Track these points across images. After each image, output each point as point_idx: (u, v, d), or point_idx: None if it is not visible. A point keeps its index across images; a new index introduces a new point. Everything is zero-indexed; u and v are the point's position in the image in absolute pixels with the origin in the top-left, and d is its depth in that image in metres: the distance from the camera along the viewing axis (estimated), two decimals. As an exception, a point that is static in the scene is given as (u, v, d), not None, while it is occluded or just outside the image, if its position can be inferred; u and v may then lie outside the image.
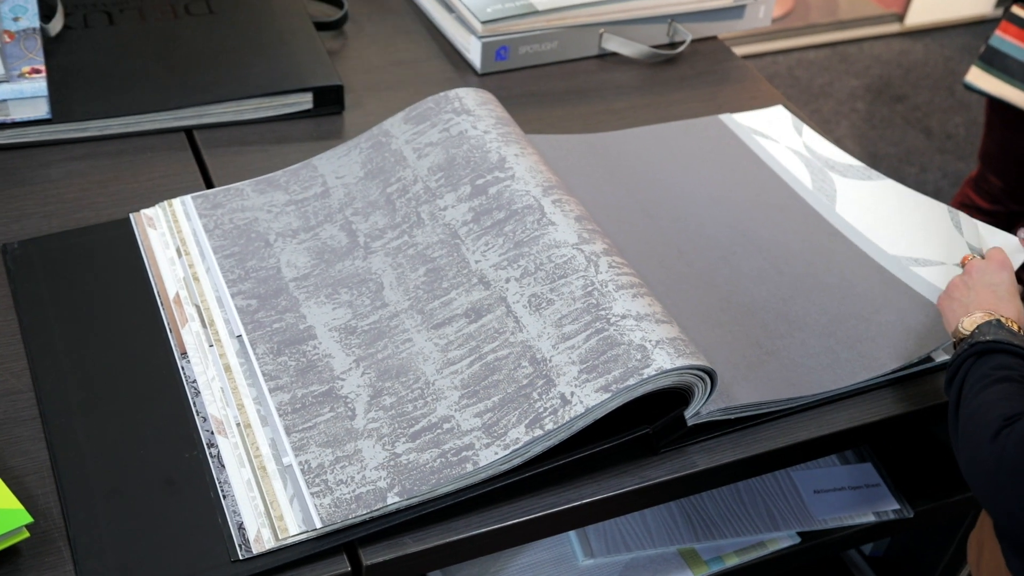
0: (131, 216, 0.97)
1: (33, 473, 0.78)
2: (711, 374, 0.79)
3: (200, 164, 1.08)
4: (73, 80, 1.09)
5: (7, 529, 0.70)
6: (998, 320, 0.83)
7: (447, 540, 0.77)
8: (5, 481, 0.74)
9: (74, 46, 1.10)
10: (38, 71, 1.04)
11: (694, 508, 1.01)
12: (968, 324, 0.83)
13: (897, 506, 1.02)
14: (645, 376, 0.76)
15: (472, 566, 0.96)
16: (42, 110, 1.04)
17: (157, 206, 0.98)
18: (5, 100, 1.02)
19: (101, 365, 0.84)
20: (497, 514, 0.79)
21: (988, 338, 0.81)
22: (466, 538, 0.78)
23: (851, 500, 1.02)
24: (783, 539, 1.00)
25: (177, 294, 0.89)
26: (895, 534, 1.09)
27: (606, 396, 0.76)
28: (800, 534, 1.00)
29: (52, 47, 1.08)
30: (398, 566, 0.76)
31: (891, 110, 2.80)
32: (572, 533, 0.98)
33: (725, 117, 1.19)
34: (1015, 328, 0.82)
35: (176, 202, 0.98)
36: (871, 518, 1.01)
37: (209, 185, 1.05)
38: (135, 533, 0.74)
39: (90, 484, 0.76)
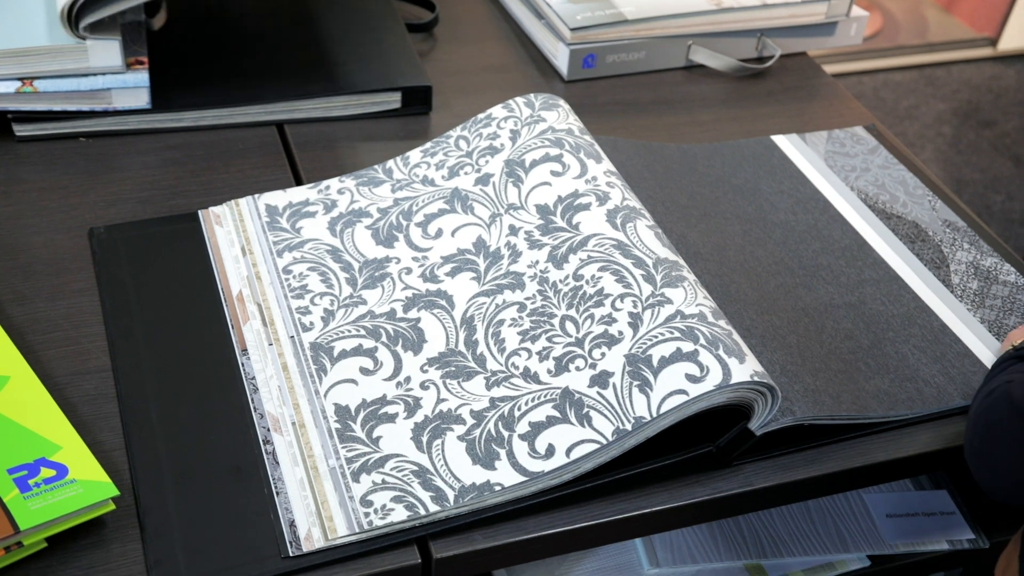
0: (199, 213, 0.99)
1: (119, 449, 0.80)
2: (772, 390, 0.78)
3: (290, 158, 1.10)
4: (172, 72, 1.13)
5: (94, 500, 0.72)
6: None
7: (516, 539, 0.78)
8: (95, 454, 0.77)
9: (175, 40, 1.13)
10: (141, 62, 1.07)
11: (763, 524, 1.00)
12: (1016, 337, 0.86)
13: (972, 535, 1.00)
14: (699, 393, 0.76)
15: (538, 567, 0.97)
16: (143, 100, 1.08)
17: (224, 204, 1.00)
18: (109, 89, 1.06)
19: (174, 352, 0.87)
20: (567, 516, 0.79)
21: None
22: (535, 538, 0.78)
23: (924, 526, 1.00)
24: (852, 561, 0.98)
25: (240, 292, 0.91)
26: (968, 564, 1.07)
27: (662, 411, 0.76)
28: (870, 557, 0.99)
29: (154, 40, 1.12)
30: (466, 562, 0.77)
31: (978, 136, 2.74)
32: (638, 541, 0.98)
33: (784, 138, 1.17)
34: None
35: (243, 201, 1.00)
36: (944, 546, 0.99)
37: (297, 178, 1.07)
38: (200, 518, 0.75)
39: (161, 466, 0.78)
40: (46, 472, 0.74)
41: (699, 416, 0.78)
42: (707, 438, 0.81)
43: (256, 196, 1.00)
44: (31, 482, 0.73)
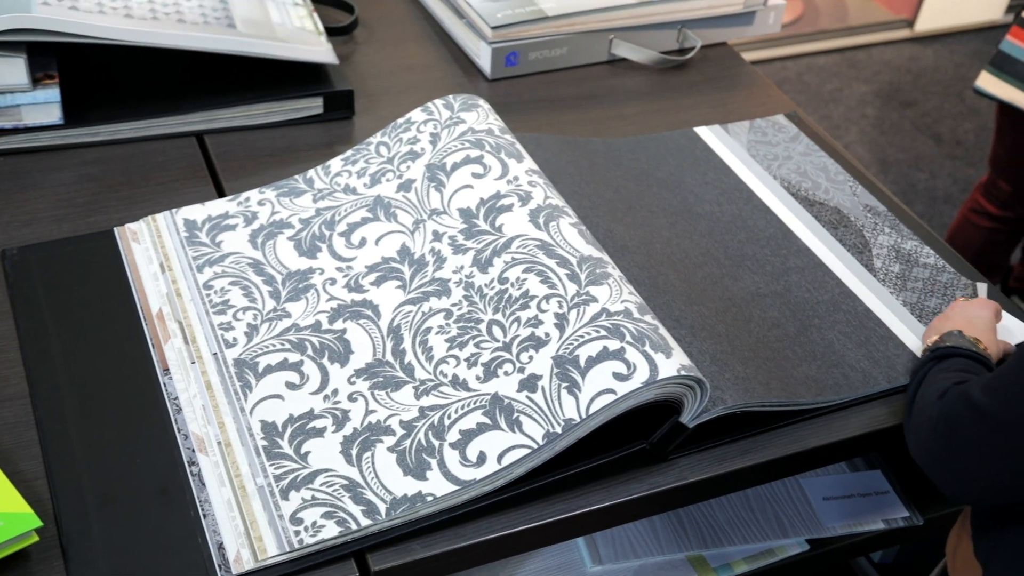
0: (115, 230, 0.97)
1: (41, 477, 0.78)
2: (700, 383, 0.79)
3: (211, 169, 1.08)
4: (86, 86, 1.10)
5: (17, 533, 0.70)
6: (959, 331, 0.87)
7: (455, 546, 0.77)
8: (15, 484, 0.74)
9: (87, 53, 1.10)
10: (51, 77, 1.04)
11: (703, 515, 1.01)
12: (930, 341, 0.89)
13: (907, 513, 1.02)
14: (627, 391, 0.76)
15: (480, 572, 0.96)
16: (55, 115, 1.05)
17: (141, 220, 0.98)
18: (19, 105, 1.03)
19: (94, 375, 0.84)
20: (505, 521, 0.79)
21: (948, 344, 0.86)
22: (474, 544, 0.78)
23: (860, 507, 1.02)
24: (792, 546, 0.99)
25: (160, 310, 0.89)
26: (904, 542, 1.09)
27: (591, 412, 0.77)
28: (809, 541, 1.00)
29: (65, 54, 1.09)
30: (406, 572, 0.76)
31: (901, 116, 2.80)
32: (580, 540, 0.98)
33: (707, 129, 1.18)
34: (980, 346, 0.86)
35: (160, 217, 0.98)
36: (880, 525, 1.01)
37: (219, 189, 1.05)
38: (126, 544, 0.74)
39: (84, 493, 0.76)
40: (-36, 507, 0.71)
41: (632, 412, 0.78)
42: (642, 433, 0.82)
43: (174, 211, 0.98)
44: (-51, 519, 0.70)
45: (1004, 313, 0.96)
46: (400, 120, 1.03)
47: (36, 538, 0.72)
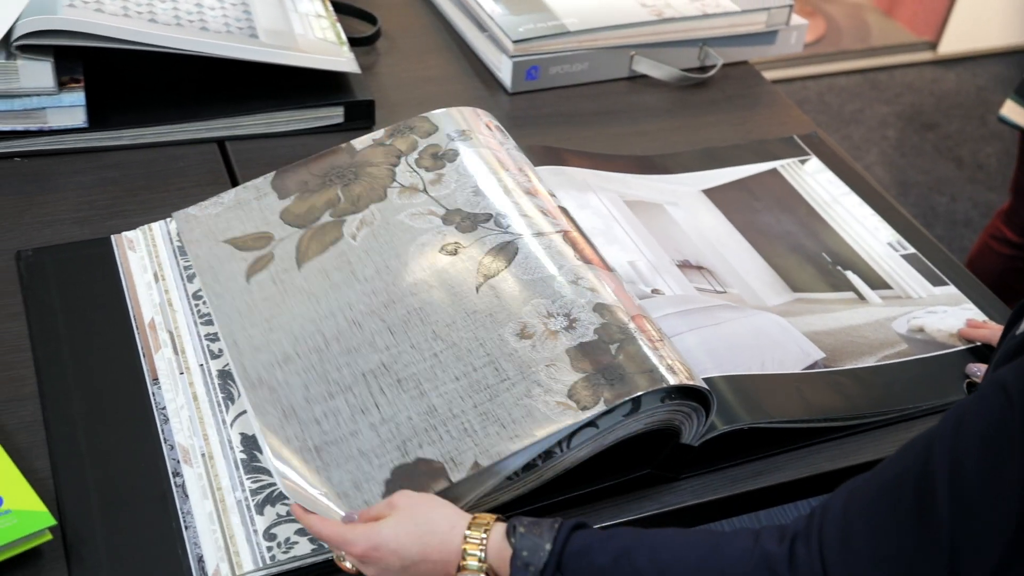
0: (112, 238, 0.97)
1: (53, 476, 0.78)
2: (708, 400, 0.78)
3: (231, 175, 1.09)
4: (110, 90, 1.11)
5: (31, 531, 0.71)
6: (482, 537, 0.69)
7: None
8: (31, 483, 0.75)
9: (111, 58, 1.11)
10: (77, 81, 1.05)
11: (713, 534, 1.00)
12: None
13: (919, 539, 1.01)
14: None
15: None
16: (79, 119, 1.06)
17: (138, 229, 0.98)
18: (44, 108, 1.04)
19: (98, 379, 0.85)
20: (515, 534, 0.79)
21: (527, 553, 0.67)
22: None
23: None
24: (802, 568, 0.99)
25: (152, 319, 0.90)
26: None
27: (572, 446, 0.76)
28: (819, 564, 0.99)
29: (91, 58, 1.10)
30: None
31: (922, 138, 2.79)
32: (589, 555, 0.98)
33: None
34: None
35: (156, 226, 0.98)
36: (892, 550, 1.00)
37: (239, 196, 1.06)
38: (126, 549, 0.74)
39: (88, 494, 0.77)
40: (-21, 504, 0.72)
41: (642, 435, 0.78)
42: (653, 456, 0.81)
43: (168, 220, 0.98)
44: (-37, 516, 0.71)
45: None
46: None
47: (50, 536, 0.72)
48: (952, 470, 0.59)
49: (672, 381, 0.75)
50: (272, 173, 0.98)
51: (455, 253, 0.86)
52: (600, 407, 0.74)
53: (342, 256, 0.88)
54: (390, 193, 0.93)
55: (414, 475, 0.74)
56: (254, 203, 0.96)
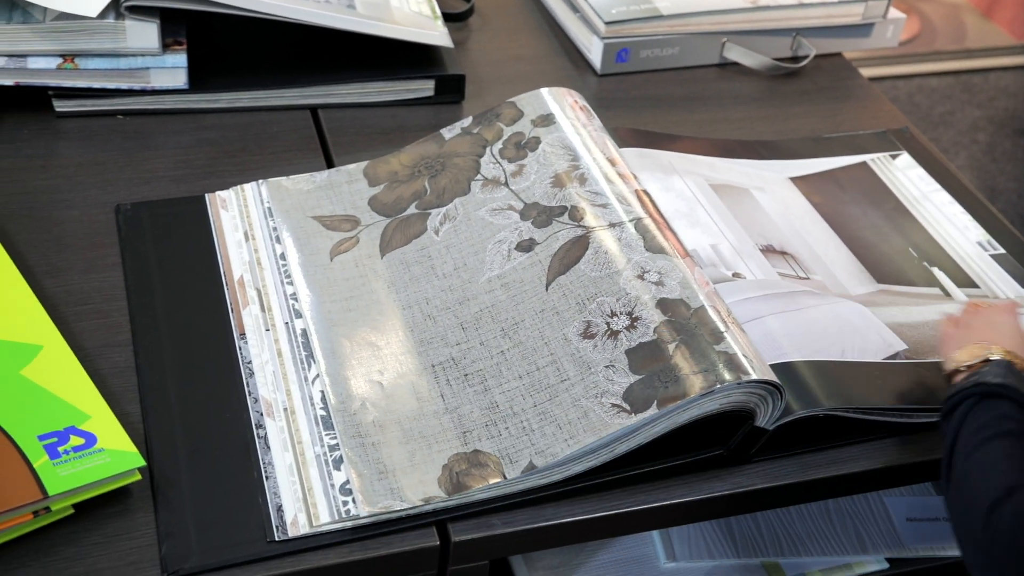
0: (206, 197, 1.00)
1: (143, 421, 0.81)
2: (773, 390, 0.78)
3: (322, 142, 1.11)
4: (210, 54, 1.14)
5: (121, 470, 0.74)
6: (1009, 362, 0.74)
7: (535, 526, 0.78)
8: (122, 425, 0.78)
9: (213, 22, 1.14)
10: (180, 43, 1.08)
11: (781, 523, 1.00)
12: (962, 356, 0.76)
13: (992, 542, 0.99)
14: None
15: (555, 555, 0.97)
16: (181, 80, 1.09)
17: (231, 189, 1.01)
18: (148, 68, 1.07)
19: (188, 331, 0.88)
20: (585, 506, 0.80)
21: (996, 380, 0.73)
22: (553, 526, 0.79)
23: (944, 531, 1.00)
24: (870, 563, 0.98)
25: (241, 277, 0.92)
26: (987, 571, 1.07)
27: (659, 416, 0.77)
28: (889, 560, 0.98)
29: (193, 21, 1.13)
30: (485, 545, 0.78)
31: (1014, 144, 2.72)
32: (656, 534, 0.99)
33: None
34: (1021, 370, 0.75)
35: (248, 187, 1.00)
36: (964, 552, 0.99)
37: (329, 162, 1.08)
38: (208, 495, 0.77)
39: (175, 440, 0.80)
40: (75, 440, 0.75)
41: (716, 417, 0.79)
42: (727, 437, 0.82)
43: (260, 182, 1.01)
44: (60, 449, 0.74)
45: None
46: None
47: (138, 476, 0.75)
48: None
49: (729, 378, 0.76)
50: (365, 162, 1.02)
51: (530, 249, 0.89)
52: (652, 411, 0.76)
53: (423, 250, 0.92)
54: (473, 186, 0.95)
55: (471, 465, 0.77)
56: (345, 187, 0.99)
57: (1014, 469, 0.69)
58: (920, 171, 1.15)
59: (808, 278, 0.97)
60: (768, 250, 0.98)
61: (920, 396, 0.87)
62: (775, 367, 0.82)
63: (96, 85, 1.07)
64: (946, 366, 0.80)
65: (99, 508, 0.75)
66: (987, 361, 0.76)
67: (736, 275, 0.94)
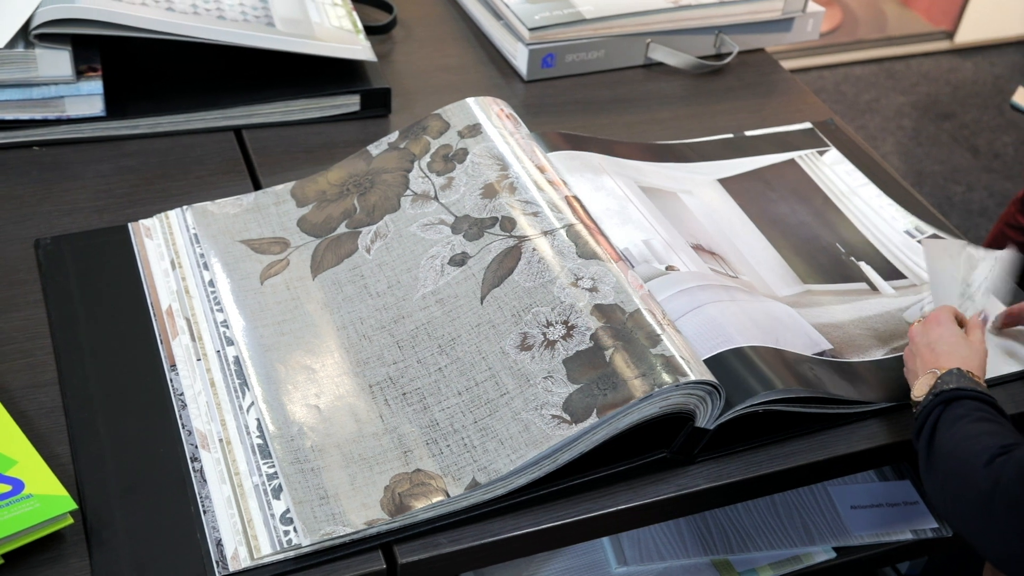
0: (129, 226, 0.98)
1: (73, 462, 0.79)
2: (718, 387, 0.78)
3: (248, 163, 1.09)
4: (127, 80, 1.11)
5: (52, 515, 0.71)
6: (958, 370, 0.82)
7: (482, 542, 0.78)
8: (51, 468, 0.76)
9: (128, 47, 1.12)
10: (94, 70, 1.06)
11: (729, 520, 1.00)
12: (917, 392, 0.83)
13: (935, 524, 1.01)
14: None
15: (506, 569, 0.96)
16: (97, 107, 1.06)
17: (155, 217, 0.99)
18: (63, 97, 1.04)
19: (115, 365, 0.86)
20: (532, 518, 0.79)
21: (951, 386, 0.81)
22: (501, 540, 0.78)
23: (889, 517, 1.01)
24: (819, 553, 0.99)
25: (169, 306, 0.90)
26: (932, 553, 1.08)
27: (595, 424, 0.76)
28: (836, 549, 0.99)
29: (108, 47, 1.10)
30: (432, 565, 0.77)
31: (938, 128, 2.77)
32: (606, 540, 0.98)
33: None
34: (981, 384, 0.82)
35: (172, 213, 0.99)
36: (908, 536, 1.00)
37: (256, 184, 1.07)
38: (144, 534, 0.75)
39: (107, 479, 0.78)
40: (2, 488, 0.72)
41: (658, 420, 0.79)
42: (669, 439, 0.82)
43: (185, 208, 0.99)
44: (-14, 498, 0.72)
45: None
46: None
47: (71, 520, 0.73)
48: None
49: (668, 380, 0.76)
50: (293, 182, 1.00)
51: (463, 263, 0.88)
52: (593, 419, 0.75)
53: (356, 269, 0.90)
54: (403, 202, 0.94)
55: (413, 484, 0.76)
56: (273, 208, 0.97)
57: (1004, 436, 0.76)
58: (848, 166, 1.16)
59: (736, 278, 0.97)
60: (698, 248, 0.99)
61: (850, 391, 0.88)
62: (726, 353, 0.83)
63: (9, 117, 1.04)
64: (913, 396, 0.84)
65: (31, 555, 0.73)
66: (938, 378, 0.82)
67: (670, 268, 0.94)
